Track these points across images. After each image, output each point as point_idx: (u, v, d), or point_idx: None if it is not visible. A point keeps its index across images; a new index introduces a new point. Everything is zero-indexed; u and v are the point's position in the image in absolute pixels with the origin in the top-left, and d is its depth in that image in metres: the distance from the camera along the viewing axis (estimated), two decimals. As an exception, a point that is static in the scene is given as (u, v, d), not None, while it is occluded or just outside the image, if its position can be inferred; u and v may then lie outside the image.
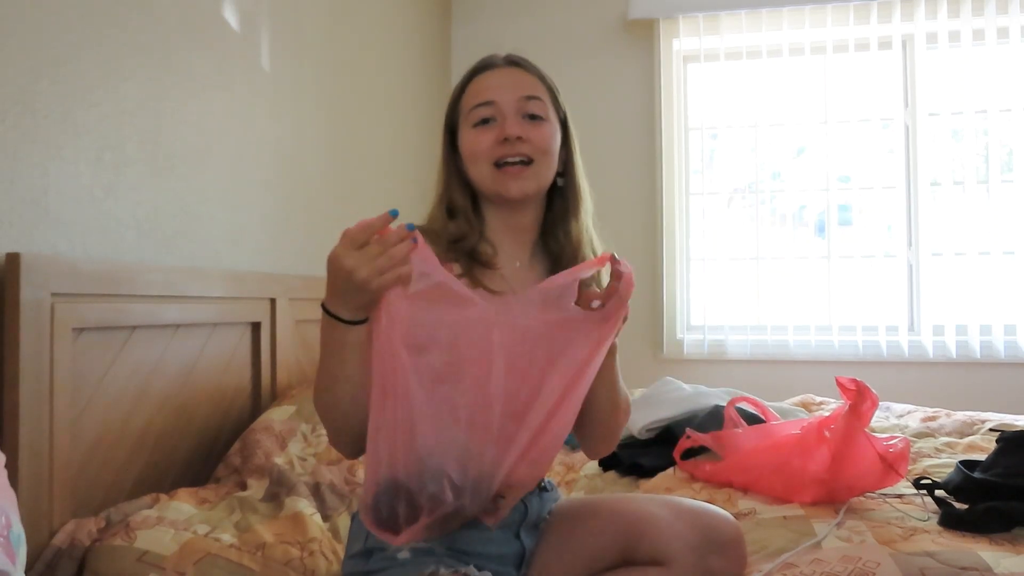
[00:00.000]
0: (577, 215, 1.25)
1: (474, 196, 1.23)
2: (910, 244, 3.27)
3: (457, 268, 1.13)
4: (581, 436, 1.22)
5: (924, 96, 3.25)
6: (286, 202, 2.17)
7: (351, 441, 1.04)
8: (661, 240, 3.38)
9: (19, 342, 1.22)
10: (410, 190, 3.14)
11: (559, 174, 1.24)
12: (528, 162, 1.16)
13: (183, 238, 1.72)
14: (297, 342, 2.10)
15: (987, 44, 3.17)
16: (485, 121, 1.18)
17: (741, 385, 3.01)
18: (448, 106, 1.26)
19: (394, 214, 0.96)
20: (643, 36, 3.47)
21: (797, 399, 2.60)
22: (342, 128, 2.52)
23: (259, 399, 1.92)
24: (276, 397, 1.95)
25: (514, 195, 1.16)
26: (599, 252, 1.23)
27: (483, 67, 1.24)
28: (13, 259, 1.23)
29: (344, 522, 1.48)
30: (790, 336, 3.29)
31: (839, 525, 1.29)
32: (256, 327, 1.91)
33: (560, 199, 1.25)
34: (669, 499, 1.25)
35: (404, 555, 1.07)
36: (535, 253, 1.25)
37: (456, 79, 1.25)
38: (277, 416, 1.78)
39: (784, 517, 1.35)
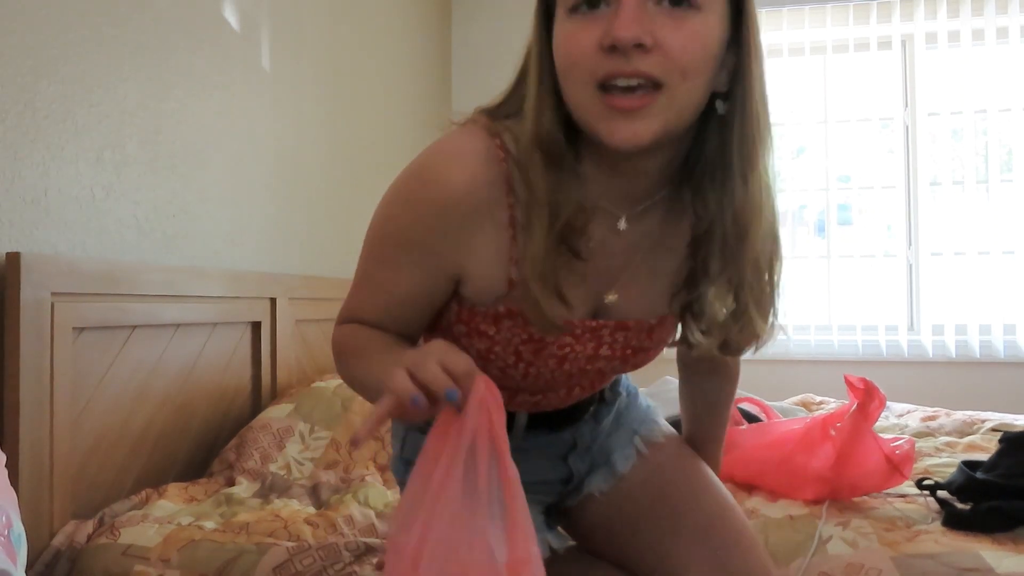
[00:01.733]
0: (753, 164, 0.75)
1: (571, 126, 0.76)
2: (910, 244, 3.27)
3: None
4: None
5: (924, 96, 3.25)
6: (286, 202, 2.16)
7: None
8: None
9: (19, 342, 1.22)
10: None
11: (719, 95, 0.75)
12: (655, 86, 0.69)
13: (183, 238, 1.72)
14: (297, 342, 2.09)
15: (987, 44, 3.17)
16: (592, 5, 0.70)
17: (741, 384, 2.99)
18: None
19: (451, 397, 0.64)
20: (643, 36, 3.47)
21: (797, 399, 2.60)
22: (342, 128, 2.52)
23: (259, 399, 1.91)
24: (276, 397, 1.95)
25: (622, 145, 0.71)
26: (779, 240, 0.81)
27: None
28: (13, 259, 1.22)
29: (336, 499, 1.50)
30: (790, 336, 3.29)
31: (843, 525, 1.29)
32: (256, 327, 1.91)
33: (720, 135, 0.76)
34: (720, 544, 0.97)
35: None
36: (656, 208, 0.82)
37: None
38: (275, 414, 1.78)
39: (790, 516, 1.35)
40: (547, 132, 0.75)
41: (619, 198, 0.80)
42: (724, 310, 0.81)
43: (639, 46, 0.67)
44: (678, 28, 0.69)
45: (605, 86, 0.69)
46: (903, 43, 3.34)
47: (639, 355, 0.89)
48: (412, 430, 1.00)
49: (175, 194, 1.70)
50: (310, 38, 2.31)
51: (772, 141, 0.77)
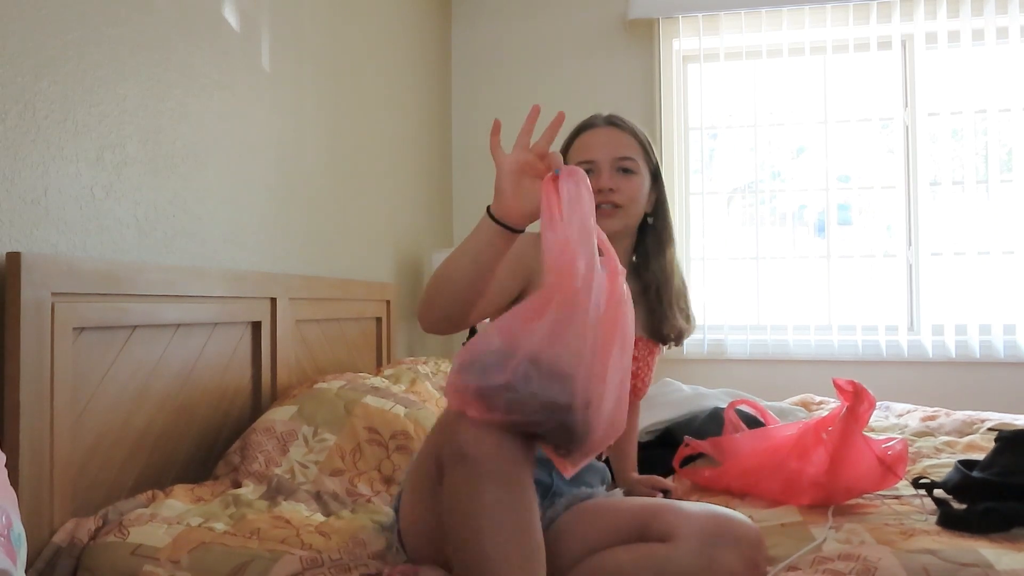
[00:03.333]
0: (666, 250, 1.51)
1: None
2: (910, 244, 3.28)
3: None
4: None
5: (923, 96, 3.25)
6: (286, 202, 2.17)
7: (439, 316, 1.15)
8: (661, 240, 3.38)
9: (19, 342, 1.22)
10: (411, 189, 3.14)
11: (649, 215, 1.49)
12: (618, 207, 1.41)
13: (183, 238, 1.72)
14: (297, 342, 2.10)
15: (986, 44, 3.17)
16: (587, 172, 1.34)
17: (740, 385, 3.01)
18: (561, 153, 1.47)
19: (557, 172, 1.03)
20: (643, 36, 3.47)
21: (797, 399, 2.60)
22: (342, 128, 2.52)
23: (259, 399, 1.92)
24: (276, 397, 1.95)
25: (606, 231, 1.32)
26: (685, 283, 1.58)
27: (586, 126, 1.49)
28: (13, 259, 1.23)
29: (347, 515, 1.49)
30: (790, 336, 3.29)
31: (836, 529, 1.29)
32: (256, 327, 1.91)
33: (652, 235, 1.51)
34: (698, 503, 1.24)
35: None
36: (627, 278, 1.43)
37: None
38: (279, 416, 1.77)
39: (782, 524, 1.35)
40: None
41: None
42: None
43: (611, 190, 1.41)
44: (628, 182, 1.44)
45: (597, 207, 1.30)
46: (903, 43, 3.34)
47: (634, 363, 1.46)
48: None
49: (175, 194, 1.70)
50: (310, 38, 2.32)
51: (674, 236, 1.54)
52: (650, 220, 1.51)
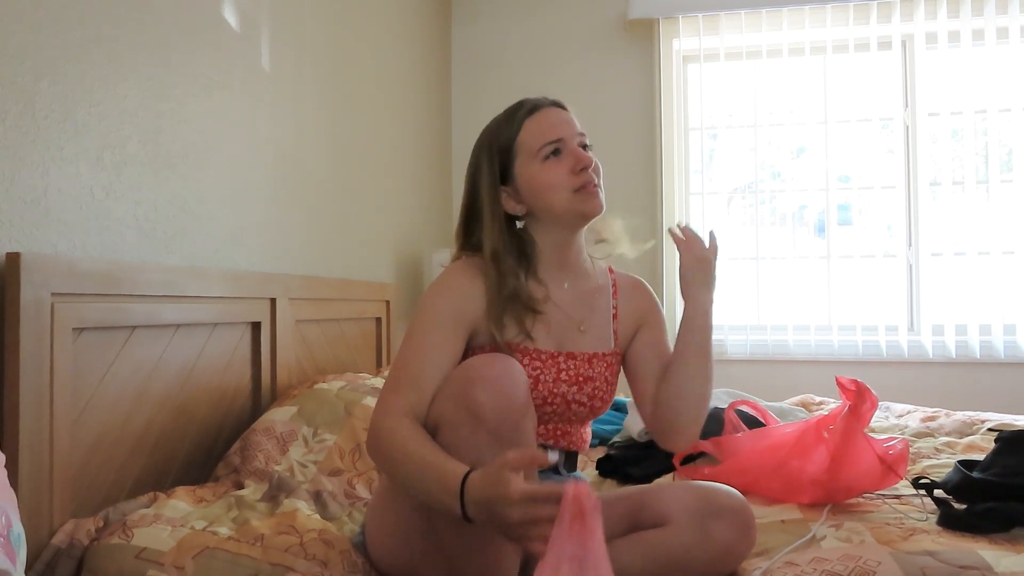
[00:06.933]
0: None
1: (515, 236, 1.30)
2: (910, 244, 3.28)
3: (511, 327, 1.25)
4: (666, 425, 1.30)
5: (924, 96, 3.25)
6: (286, 202, 2.17)
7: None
8: (661, 240, 3.38)
9: (19, 342, 1.22)
10: (410, 190, 3.14)
11: None
12: (597, 186, 1.29)
13: (183, 238, 1.72)
14: (297, 342, 2.10)
15: (987, 44, 3.17)
16: (556, 153, 1.27)
17: (740, 385, 3.01)
18: (499, 145, 1.30)
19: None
20: (643, 36, 3.47)
21: (797, 399, 2.60)
22: (342, 128, 2.52)
23: (259, 399, 1.92)
24: (276, 397, 1.95)
25: (600, 209, 1.28)
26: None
27: (535, 107, 1.31)
28: (13, 259, 1.22)
29: (344, 523, 1.48)
30: (790, 336, 3.29)
31: (836, 527, 1.29)
32: (256, 327, 1.91)
33: None
34: (679, 482, 1.29)
35: None
36: (583, 275, 1.36)
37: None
38: (279, 416, 1.77)
39: (782, 521, 1.35)
40: (496, 248, 1.27)
41: (559, 270, 1.32)
42: None
43: (593, 167, 1.27)
44: (595, 158, 1.30)
45: (577, 191, 1.26)
46: (903, 43, 3.34)
47: (589, 384, 1.29)
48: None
49: (175, 194, 1.70)
50: (310, 38, 2.32)
51: None
52: None
